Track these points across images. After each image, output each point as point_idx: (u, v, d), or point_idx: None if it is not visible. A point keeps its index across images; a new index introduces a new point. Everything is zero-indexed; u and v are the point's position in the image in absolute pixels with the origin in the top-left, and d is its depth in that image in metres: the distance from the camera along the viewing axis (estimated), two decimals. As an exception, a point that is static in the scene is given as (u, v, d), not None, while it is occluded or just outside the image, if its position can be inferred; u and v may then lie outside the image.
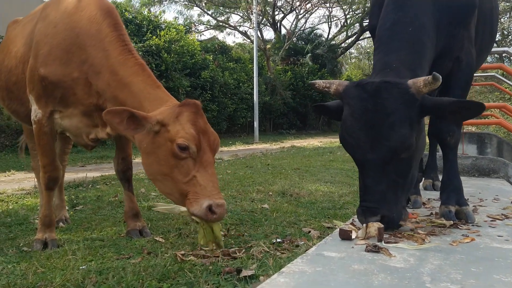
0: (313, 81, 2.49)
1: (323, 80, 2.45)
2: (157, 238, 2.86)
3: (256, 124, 18.57)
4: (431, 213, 2.87)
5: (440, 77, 2.07)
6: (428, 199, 3.46)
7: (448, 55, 2.75)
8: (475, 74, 8.58)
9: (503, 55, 17.14)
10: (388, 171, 2.19)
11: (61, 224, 3.43)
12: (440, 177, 3.82)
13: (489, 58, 25.66)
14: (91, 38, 2.67)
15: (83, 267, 2.27)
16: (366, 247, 1.99)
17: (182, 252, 2.46)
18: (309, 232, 2.99)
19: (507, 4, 27.77)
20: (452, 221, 2.52)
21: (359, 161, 2.27)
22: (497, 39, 29.39)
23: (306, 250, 2.09)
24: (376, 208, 2.19)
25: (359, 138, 2.19)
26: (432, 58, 2.57)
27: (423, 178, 4.00)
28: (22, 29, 3.20)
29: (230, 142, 15.80)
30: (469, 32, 2.75)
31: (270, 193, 4.62)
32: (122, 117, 2.36)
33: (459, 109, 2.19)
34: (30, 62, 2.82)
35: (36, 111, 2.82)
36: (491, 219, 2.69)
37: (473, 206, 3.09)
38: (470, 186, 4.20)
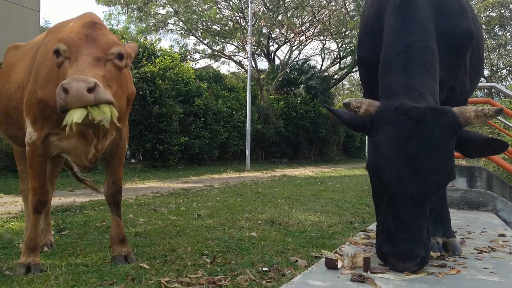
0: (347, 101, 2.15)
1: (355, 99, 2.16)
2: (142, 264, 2.82)
3: (248, 152, 18.59)
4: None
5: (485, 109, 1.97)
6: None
7: (444, 84, 2.66)
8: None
9: (492, 90, 17.49)
10: (426, 206, 2.01)
11: (45, 248, 3.37)
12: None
13: (478, 93, 26.22)
14: None
15: (65, 292, 2.23)
16: (352, 276, 1.98)
17: (167, 279, 2.43)
18: (296, 261, 2.97)
19: (495, 41, 28.59)
20: (439, 253, 2.53)
21: (397, 194, 2.00)
22: (486, 75, 30.11)
23: (291, 279, 2.08)
24: (415, 251, 1.99)
25: (400, 169, 1.95)
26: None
27: None
28: (23, 55, 3.24)
29: (222, 170, 15.76)
30: (465, 62, 2.69)
31: (259, 221, 4.60)
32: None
33: (486, 147, 2.05)
34: (29, 86, 2.84)
35: (31, 133, 2.82)
36: (478, 251, 2.70)
37: (461, 238, 3.10)
38: (458, 218, 4.22)
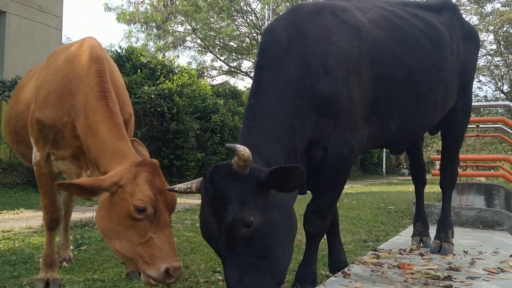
0: (171, 187, 2.34)
1: (184, 183, 2.31)
2: (156, 281, 2.90)
3: (264, 168, 18.62)
4: (427, 264, 2.89)
5: (236, 146, 2.04)
6: (426, 250, 3.47)
7: (316, 144, 2.66)
8: (482, 126, 8.65)
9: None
10: (244, 256, 2.04)
11: (64, 263, 3.49)
12: (431, 230, 3.85)
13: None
14: (80, 83, 2.75)
15: (82, 307, 2.32)
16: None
17: (179, 295, 2.51)
18: (307, 279, 3.00)
19: (513, 57, 28.24)
20: (445, 274, 2.55)
21: (216, 253, 2.16)
22: (506, 91, 29.62)
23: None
24: None
25: (208, 228, 2.12)
26: (295, 146, 2.53)
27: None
28: (32, 76, 3.37)
29: (238, 186, 15.78)
30: (335, 121, 2.64)
31: (272, 239, 4.63)
32: (73, 189, 2.37)
33: (283, 175, 2.05)
34: (31, 107, 2.94)
35: (35, 153, 2.92)
36: (487, 272, 2.71)
37: (471, 258, 3.10)
38: (472, 238, 4.21)
